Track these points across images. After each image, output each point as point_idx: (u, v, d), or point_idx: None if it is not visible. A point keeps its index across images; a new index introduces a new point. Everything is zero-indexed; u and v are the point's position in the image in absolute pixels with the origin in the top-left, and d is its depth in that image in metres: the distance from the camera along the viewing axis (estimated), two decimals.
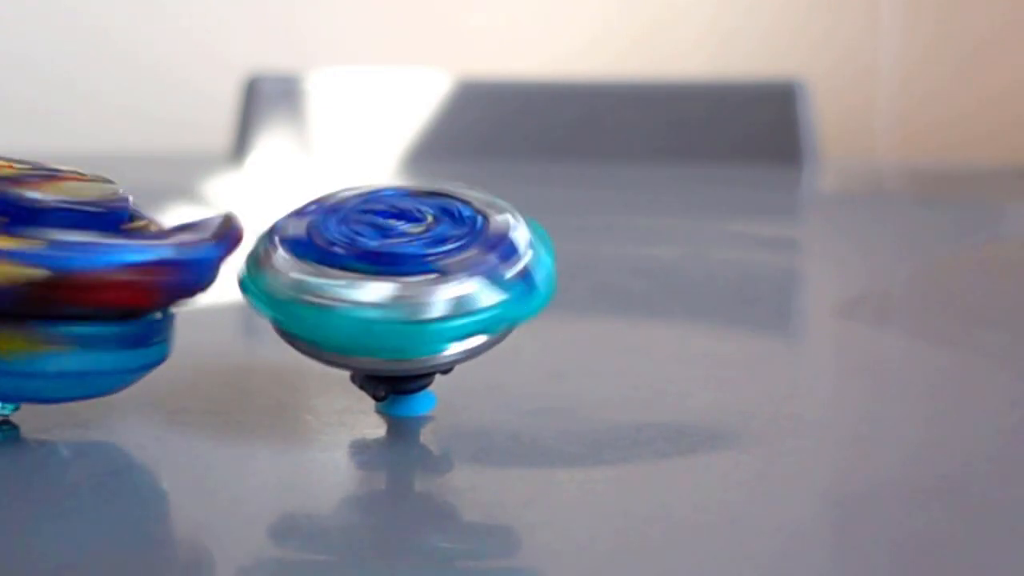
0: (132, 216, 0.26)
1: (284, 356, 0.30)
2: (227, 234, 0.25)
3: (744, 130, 1.04)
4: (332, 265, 0.24)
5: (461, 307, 0.24)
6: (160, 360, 0.25)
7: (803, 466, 0.24)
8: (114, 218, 0.25)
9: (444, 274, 0.24)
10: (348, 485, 0.23)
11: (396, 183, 0.27)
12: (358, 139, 1.07)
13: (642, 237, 0.61)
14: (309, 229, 0.25)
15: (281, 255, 0.25)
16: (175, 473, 0.23)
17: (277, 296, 0.24)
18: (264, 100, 1.06)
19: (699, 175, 0.94)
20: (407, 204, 0.26)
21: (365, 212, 0.26)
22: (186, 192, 0.80)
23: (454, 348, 0.24)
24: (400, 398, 0.26)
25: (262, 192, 0.84)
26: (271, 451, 0.24)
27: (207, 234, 0.25)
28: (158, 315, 0.25)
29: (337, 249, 0.25)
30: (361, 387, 0.26)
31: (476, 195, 0.27)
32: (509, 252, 0.25)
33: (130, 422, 0.26)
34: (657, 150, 1.03)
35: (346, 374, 0.26)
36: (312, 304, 0.24)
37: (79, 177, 0.25)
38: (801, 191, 0.94)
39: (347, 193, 0.27)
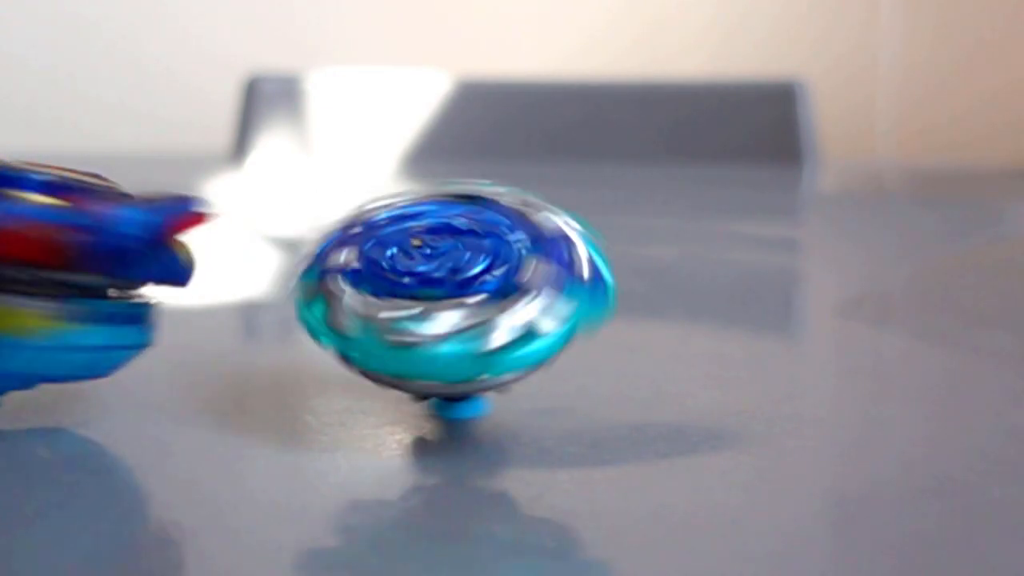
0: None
1: (284, 356, 0.30)
2: (166, 208, 0.25)
3: (744, 130, 1.04)
4: (397, 295, 0.24)
5: (535, 327, 0.23)
6: (144, 344, 0.26)
7: (803, 466, 0.24)
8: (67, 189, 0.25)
9: (512, 293, 0.24)
10: (348, 485, 0.23)
11: (421, 192, 0.27)
12: (358, 139, 1.07)
13: (642, 237, 0.61)
14: (363, 258, 0.25)
15: (344, 289, 0.24)
16: (175, 473, 0.23)
17: (348, 333, 0.24)
18: (264, 100, 1.06)
19: (699, 175, 0.94)
20: (452, 217, 0.25)
21: (412, 233, 0.25)
22: (186, 192, 0.80)
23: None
24: (452, 401, 0.26)
25: (262, 192, 0.85)
26: (271, 451, 0.24)
27: (144, 205, 0.25)
28: (146, 300, 0.26)
29: (398, 278, 0.24)
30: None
31: (504, 192, 0.26)
32: (568, 255, 0.24)
33: (130, 422, 0.26)
34: (657, 150, 1.03)
35: (346, 374, 0.26)
36: (386, 341, 0.23)
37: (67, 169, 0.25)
38: (801, 191, 0.94)
39: (380, 210, 0.26)
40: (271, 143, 1.05)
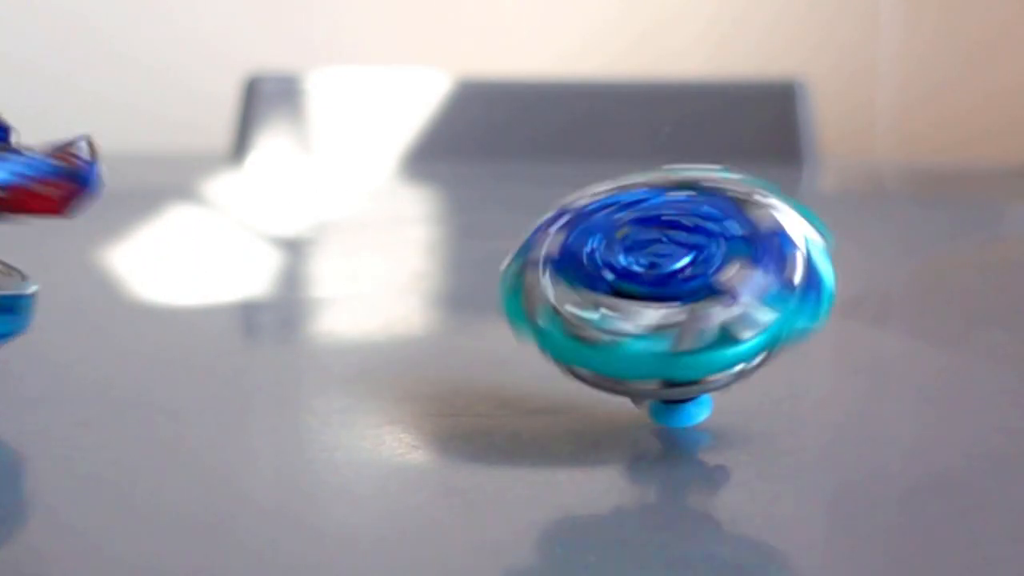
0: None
1: (284, 356, 0.30)
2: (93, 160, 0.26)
3: (744, 130, 1.04)
4: (599, 290, 0.23)
5: (736, 332, 0.22)
6: (20, 330, 0.26)
7: (803, 466, 0.24)
8: None
9: (715, 295, 0.23)
10: (348, 485, 0.23)
11: (641, 177, 0.25)
12: (358, 139, 1.07)
13: None
14: (568, 248, 0.24)
15: (547, 283, 0.24)
16: (174, 473, 0.23)
17: (539, 324, 0.23)
18: (264, 100, 1.06)
19: None
20: (662, 207, 0.24)
21: (621, 224, 0.24)
22: (186, 192, 0.80)
23: (731, 370, 0.23)
24: (670, 407, 0.25)
25: (262, 192, 0.84)
26: (271, 451, 0.24)
27: (83, 155, 0.26)
28: (29, 289, 0.26)
29: (602, 272, 0.23)
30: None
31: (731, 180, 0.25)
32: (781, 257, 0.23)
33: (130, 421, 0.26)
34: (657, 150, 1.03)
35: (346, 373, 0.26)
36: (570, 335, 0.23)
37: None
38: (801, 191, 0.94)
39: (593, 197, 0.25)
40: (271, 143, 1.04)
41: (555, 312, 0.23)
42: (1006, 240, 0.65)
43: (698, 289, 0.23)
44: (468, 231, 0.64)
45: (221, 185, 0.89)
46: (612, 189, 0.25)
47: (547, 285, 0.24)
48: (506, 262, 0.25)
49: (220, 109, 1.22)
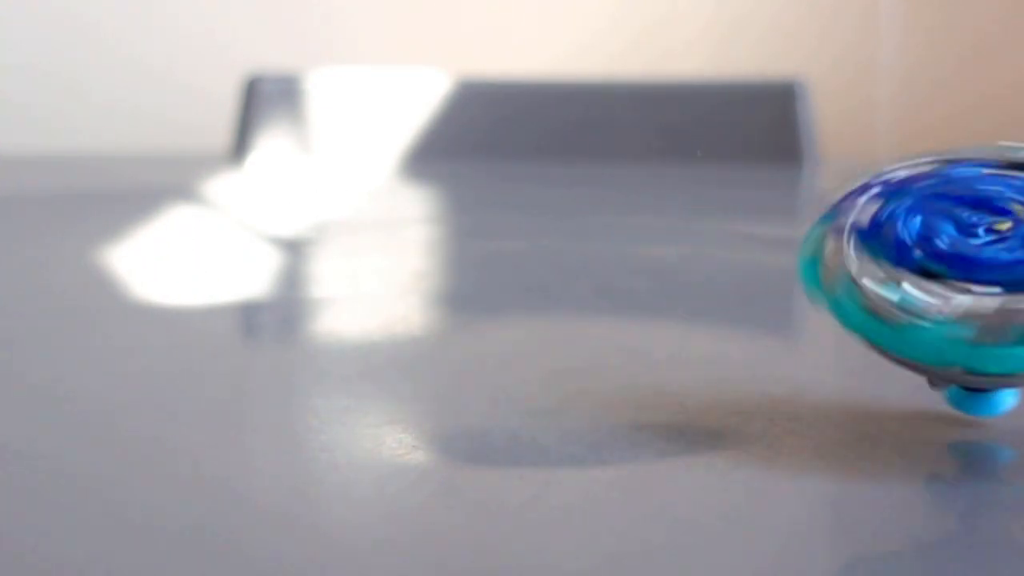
0: None
1: (284, 356, 0.30)
2: None
3: (744, 130, 1.04)
4: (904, 267, 0.22)
5: None
6: None
7: (803, 466, 0.24)
8: None
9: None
10: (348, 485, 0.23)
11: (979, 153, 0.24)
12: (358, 139, 1.07)
13: (642, 237, 0.61)
14: (878, 220, 0.23)
15: (850, 253, 0.23)
16: (173, 473, 0.23)
17: (832, 290, 0.23)
18: (264, 100, 1.06)
19: (699, 175, 0.94)
20: (990, 189, 0.23)
21: (941, 198, 0.23)
22: (186, 192, 0.80)
23: None
24: (973, 394, 0.24)
25: (262, 192, 0.84)
26: (271, 451, 0.24)
27: None
28: None
29: (911, 249, 0.23)
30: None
31: None
32: None
33: (129, 422, 0.26)
34: (657, 150, 1.03)
35: (346, 373, 0.26)
36: (879, 315, 0.22)
37: None
38: (801, 191, 0.94)
39: (918, 168, 0.24)
40: (271, 143, 1.05)
41: (853, 284, 0.23)
42: None
43: (1015, 280, 0.22)
44: (468, 231, 0.64)
45: (221, 185, 0.89)
46: (936, 161, 0.24)
47: (850, 255, 0.23)
48: (810, 227, 0.24)
49: (220, 109, 1.22)
